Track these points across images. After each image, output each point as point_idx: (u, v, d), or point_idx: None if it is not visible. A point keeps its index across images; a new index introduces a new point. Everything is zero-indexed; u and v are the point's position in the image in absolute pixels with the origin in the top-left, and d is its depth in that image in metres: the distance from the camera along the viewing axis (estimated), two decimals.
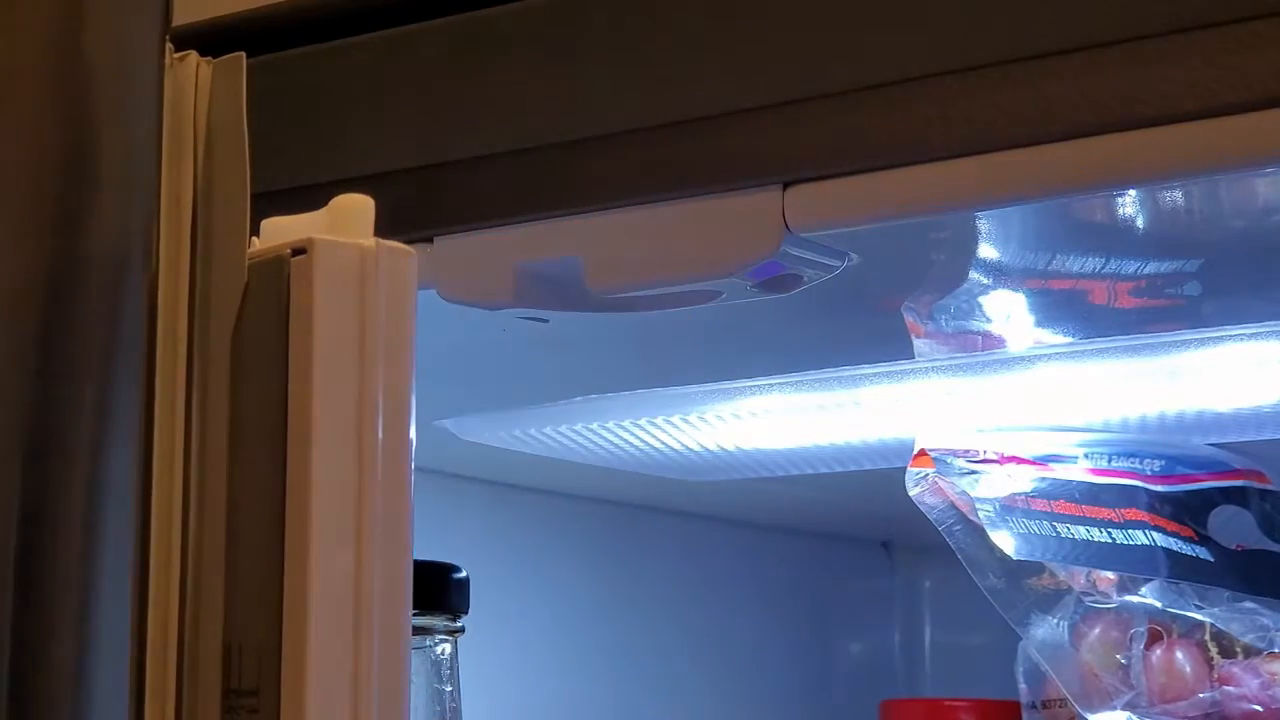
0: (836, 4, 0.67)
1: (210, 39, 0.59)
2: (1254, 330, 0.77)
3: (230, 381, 0.53)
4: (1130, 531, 0.86)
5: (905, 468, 0.88)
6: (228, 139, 0.55)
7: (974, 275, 0.75)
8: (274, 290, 0.52)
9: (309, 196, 0.76)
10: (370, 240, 0.53)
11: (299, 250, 0.51)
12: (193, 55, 0.56)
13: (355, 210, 0.54)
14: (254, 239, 0.55)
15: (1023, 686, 0.89)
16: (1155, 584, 0.86)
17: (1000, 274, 0.75)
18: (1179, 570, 0.86)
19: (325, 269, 0.52)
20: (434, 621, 0.74)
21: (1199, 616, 0.86)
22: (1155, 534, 0.87)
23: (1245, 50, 0.60)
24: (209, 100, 0.55)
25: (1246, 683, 0.84)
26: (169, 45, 0.55)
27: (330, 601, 0.52)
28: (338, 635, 0.52)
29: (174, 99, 0.55)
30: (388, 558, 0.54)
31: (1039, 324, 0.80)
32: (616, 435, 0.97)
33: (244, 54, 0.55)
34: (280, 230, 0.54)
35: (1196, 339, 0.79)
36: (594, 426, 0.95)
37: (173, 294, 0.54)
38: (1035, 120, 0.63)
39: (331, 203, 0.54)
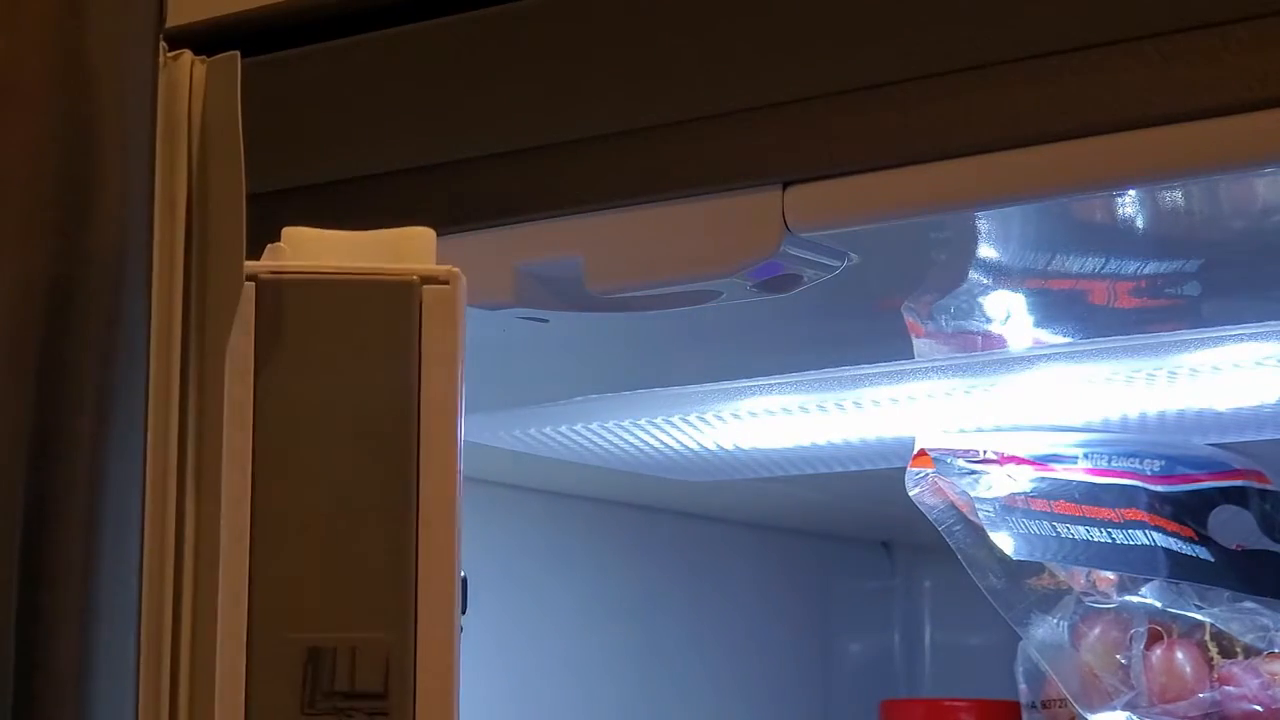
0: (836, 4, 0.67)
1: (209, 39, 0.58)
2: (1254, 330, 0.77)
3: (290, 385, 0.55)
4: (1130, 531, 0.86)
5: (905, 468, 0.88)
6: (223, 139, 0.55)
7: (974, 275, 0.75)
8: (404, 312, 0.56)
9: (309, 196, 0.76)
10: (458, 270, 0.57)
11: (429, 279, 0.56)
12: (186, 54, 0.56)
13: (423, 242, 0.58)
14: (281, 246, 0.56)
15: (1023, 686, 0.89)
16: (1155, 584, 0.86)
17: (1000, 274, 0.75)
18: (1179, 570, 0.86)
19: (459, 299, 0.57)
20: None
21: (1199, 616, 0.86)
22: (1155, 534, 0.87)
23: (1246, 50, 0.60)
24: (203, 99, 0.55)
25: (1246, 683, 0.84)
26: (163, 44, 0.55)
27: (454, 603, 0.56)
28: (454, 635, 0.56)
29: (167, 98, 0.55)
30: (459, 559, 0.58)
31: (1039, 324, 0.80)
32: (617, 435, 0.97)
33: (238, 53, 0.55)
34: (312, 243, 0.57)
35: (1196, 339, 0.79)
36: (594, 426, 0.95)
37: (168, 294, 0.54)
38: (1035, 120, 0.63)
39: (397, 232, 0.58)
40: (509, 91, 0.73)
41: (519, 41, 0.73)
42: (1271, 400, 0.86)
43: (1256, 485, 0.93)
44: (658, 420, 0.94)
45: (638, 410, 0.93)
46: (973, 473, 0.87)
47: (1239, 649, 0.85)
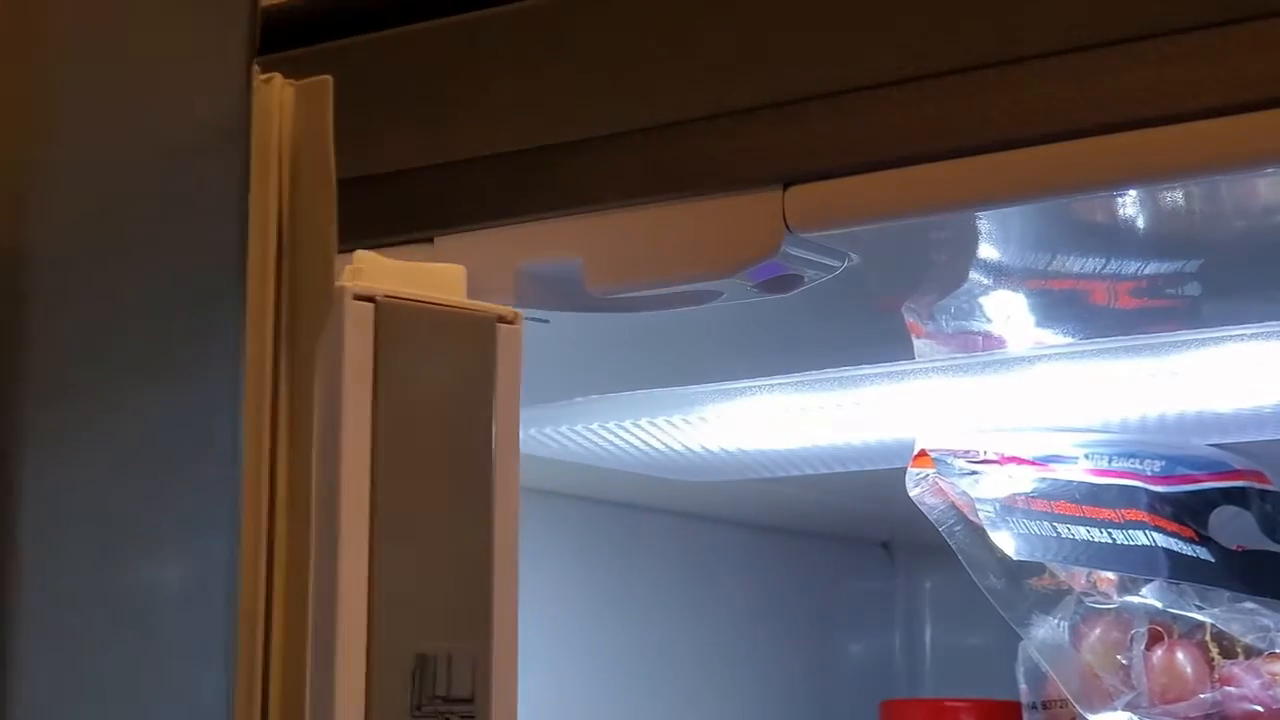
0: (837, 4, 0.67)
1: None
2: (1254, 330, 0.77)
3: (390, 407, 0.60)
4: (1131, 532, 0.86)
5: (906, 468, 0.88)
6: (314, 161, 0.59)
7: (974, 275, 0.75)
8: (486, 346, 0.62)
9: None
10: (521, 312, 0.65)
11: (504, 319, 0.63)
12: (277, 77, 0.59)
13: (458, 277, 0.63)
14: (359, 268, 0.61)
15: (1023, 687, 0.89)
16: (1156, 584, 0.86)
17: (1000, 274, 0.75)
18: (1179, 571, 0.86)
19: (521, 337, 0.64)
20: None
21: (1200, 617, 0.86)
22: (1156, 534, 0.87)
23: (1246, 51, 0.60)
24: (293, 122, 0.60)
25: (1247, 683, 0.84)
26: (255, 68, 0.58)
27: (516, 614, 0.61)
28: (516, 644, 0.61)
29: (259, 121, 0.59)
30: None
31: (1039, 324, 0.80)
32: (617, 435, 0.97)
33: (330, 78, 0.59)
34: (377, 268, 0.62)
35: (1197, 339, 0.79)
36: (594, 427, 0.95)
37: (260, 307, 0.58)
38: (1036, 120, 0.63)
39: (434, 266, 0.63)
40: (509, 91, 0.73)
41: (520, 42, 0.73)
42: (1272, 401, 0.86)
43: (1257, 486, 0.93)
44: (658, 421, 0.94)
45: (638, 411, 0.93)
46: (973, 473, 0.87)
47: (1240, 649, 0.85)
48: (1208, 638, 0.85)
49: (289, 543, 0.57)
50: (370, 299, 0.60)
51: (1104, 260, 0.73)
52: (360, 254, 0.61)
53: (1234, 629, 0.85)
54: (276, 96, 0.59)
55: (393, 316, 0.60)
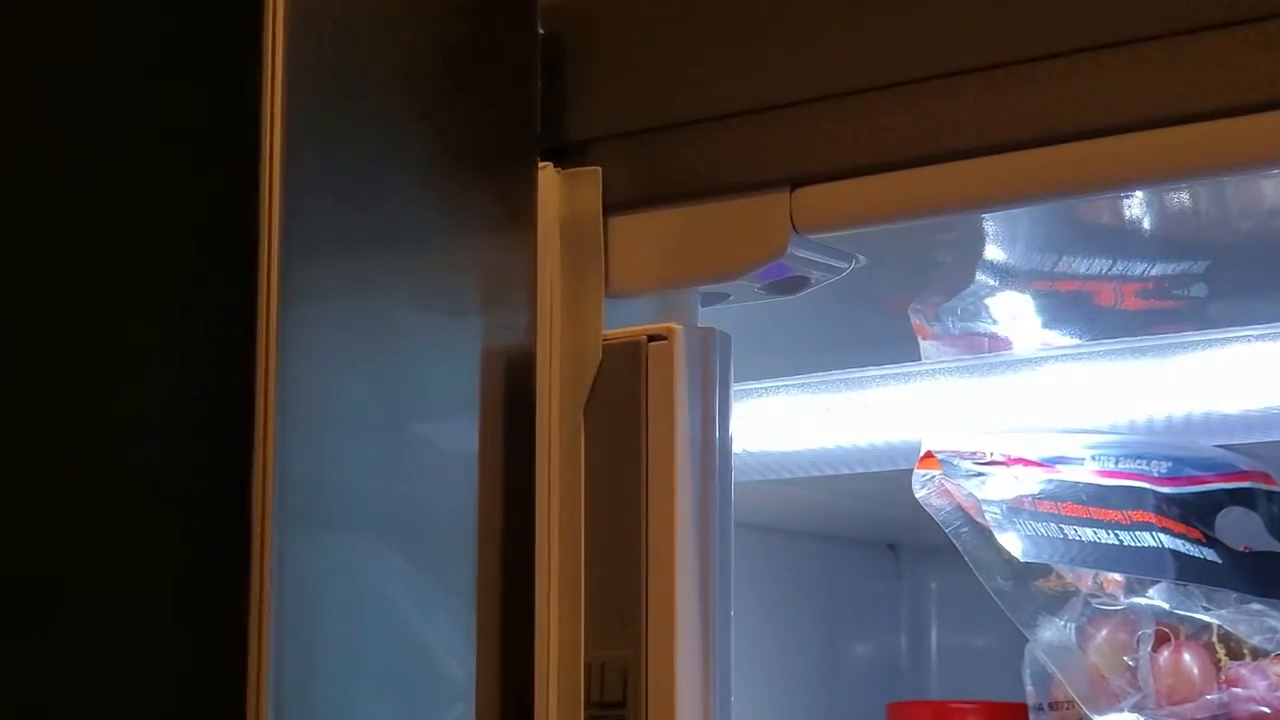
0: (842, 6, 0.67)
1: None
2: (1260, 331, 0.77)
3: (585, 439, 0.67)
4: (1137, 533, 0.86)
5: (912, 470, 0.88)
6: (585, 241, 0.68)
7: (981, 277, 0.75)
8: (634, 368, 0.67)
9: None
10: (679, 328, 0.69)
11: (655, 337, 0.67)
12: (549, 167, 0.68)
13: None
14: None
15: (1030, 688, 0.89)
16: (1163, 586, 0.86)
17: (1007, 275, 0.74)
18: (1186, 572, 0.86)
19: (680, 352, 0.68)
20: None
21: (1206, 618, 0.86)
22: (1162, 536, 0.87)
23: (1253, 52, 0.60)
24: (562, 204, 0.68)
25: (1254, 684, 0.84)
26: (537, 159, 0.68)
27: (675, 624, 0.67)
28: (694, 653, 0.69)
29: (541, 204, 0.68)
30: (723, 588, 0.74)
31: (1046, 326, 0.80)
32: None
33: (599, 169, 0.68)
34: None
35: (1203, 340, 0.79)
36: None
37: (546, 366, 0.67)
38: (1043, 122, 0.63)
39: None
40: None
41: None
42: (1278, 402, 0.86)
43: (1264, 487, 0.93)
44: None
45: None
46: (979, 474, 0.87)
47: (1246, 650, 0.85)
48: (1214, 639, 0.85)
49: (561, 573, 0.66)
50: None
51: (1110, 261, 0.73)
52: None
53: (1241, 630, 0.85)
54: (551, 183, 0.68)
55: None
